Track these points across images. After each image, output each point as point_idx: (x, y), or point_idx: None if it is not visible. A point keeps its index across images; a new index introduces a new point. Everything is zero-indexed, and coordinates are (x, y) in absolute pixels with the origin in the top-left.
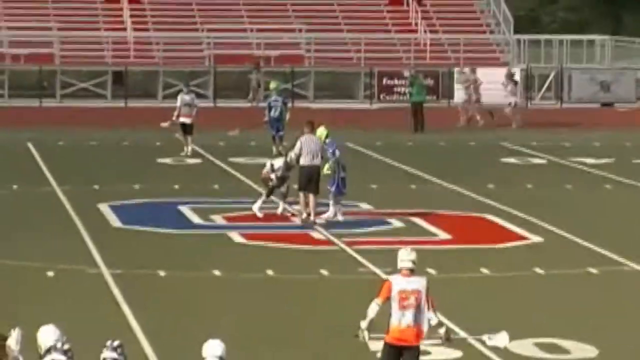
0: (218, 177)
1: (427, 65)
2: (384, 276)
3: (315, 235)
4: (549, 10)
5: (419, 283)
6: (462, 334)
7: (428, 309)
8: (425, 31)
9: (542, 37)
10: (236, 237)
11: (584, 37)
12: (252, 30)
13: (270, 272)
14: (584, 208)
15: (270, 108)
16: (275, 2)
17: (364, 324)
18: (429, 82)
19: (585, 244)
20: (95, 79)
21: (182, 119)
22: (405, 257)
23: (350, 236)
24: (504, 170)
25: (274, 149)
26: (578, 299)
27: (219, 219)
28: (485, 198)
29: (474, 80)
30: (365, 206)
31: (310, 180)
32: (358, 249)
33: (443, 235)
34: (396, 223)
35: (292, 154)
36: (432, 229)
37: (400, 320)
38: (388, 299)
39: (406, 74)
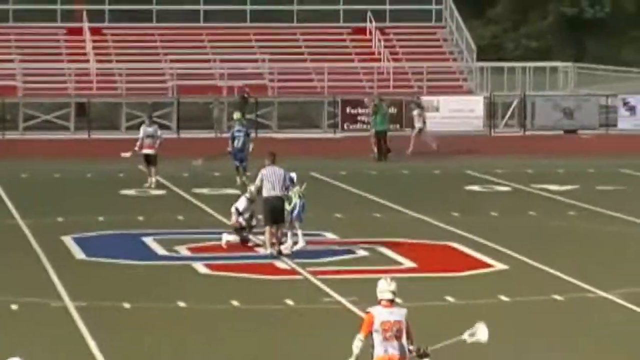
0: (182, 208)
1: (390, 93)
2: (348, 306)
3: (280, 265)
4: (512, 37)
5: (399, 313)
6: (440, 344)
7: (407, 339)
8: (388, 59)
9: (505, 64)
10: (201, 268)
11: (547, 64)
12: (215, 61)
13: (235, 302)
14: (549, 235)
15: (233, 138)
16: (238, 32)
17: None
18: (392, 110)
19: (550, 270)
20: (58, 110)
21: (145, 150)
22: (386, 288)
23: (315, 265)
24: (468, 198)
25: (238, 179)
26: (543, 326)
27: (183, 250)
28: (449, 226)
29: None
30: (330, 235)
31: (274, 211)
32: (323, 278)
33: (408, 263)
34: (361, 252)
35: (251, 188)
36: (397, 257)
37: (387, 350)
38: (370, 332)
39: (367, 102)
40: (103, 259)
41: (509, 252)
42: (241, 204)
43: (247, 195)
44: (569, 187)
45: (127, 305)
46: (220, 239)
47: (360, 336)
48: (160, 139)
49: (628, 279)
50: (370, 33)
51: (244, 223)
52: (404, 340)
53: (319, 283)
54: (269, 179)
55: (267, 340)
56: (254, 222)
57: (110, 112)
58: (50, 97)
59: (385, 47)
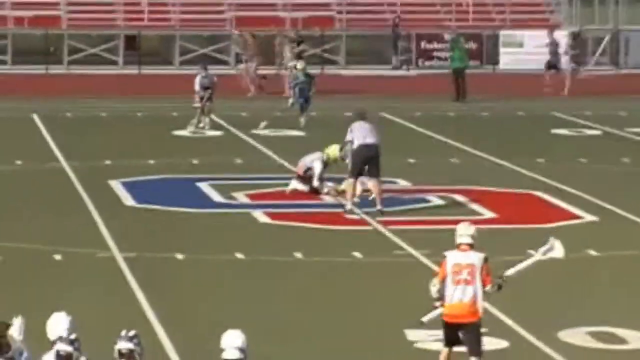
0: (240, 150)
1: (470, 27)
2: (421, 259)
3: (348, 214)
4: None
5: (475, 257)
6: (514, 269)
7: (483, 286)
8: None
9: None
10: (261, 216)
11: None
12: None
13: (298, 255)
14: None
15: (297, 90)
16: None
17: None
18: (472, 45)
19: None
20: (105, 43)
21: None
22: (463, 231)
23: (386, 215)
24: (554, 143)
25: (302, 120)
26: (637, 283)
27: (241, 197)
28: (534, 173)
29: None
30: (402, 182)
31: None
32: (394, 229)
33: (488, 214)
34: (436, 201)
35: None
36: (476, 207)
37: (454, 295)
38: (445, 276)
39: (447, 37)
40: (154, 205)
41: (598, 202)
42: (317, 168)
43: (324, 157)
44: None
45: (179, 257)
46: (286, 185)
47: (434, 280)
48: (215, 87)
49: None
50: None
51: (317, 185)
52: (477, 285)
53: (389, 234)
54: (361, 133)
55: (332, 296)
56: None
57: (162, 45)
58: (97, 28)
59: None
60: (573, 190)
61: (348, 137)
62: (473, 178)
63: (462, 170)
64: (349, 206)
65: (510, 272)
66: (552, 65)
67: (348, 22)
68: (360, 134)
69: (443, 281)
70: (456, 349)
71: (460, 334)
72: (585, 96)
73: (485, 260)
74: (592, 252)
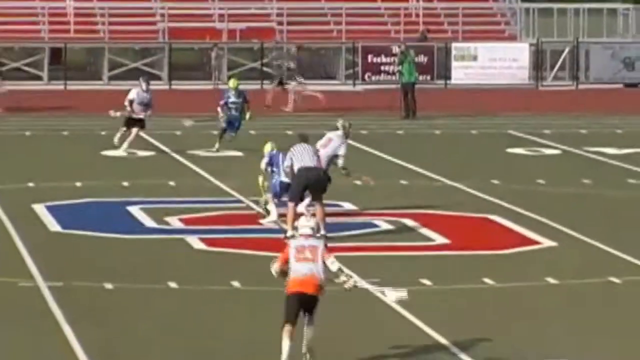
0: (174, 172)
1: (420, 39)
2: (368, 287)
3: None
4: None
5: (316, 241)
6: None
7: (325, 259)
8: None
9: (555, 5)
10: (196, 242)
11: (604, 5)
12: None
13: (235, 283)
14: (604, 206)
15: (228, 108)
16: None
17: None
18: (422, 59)
19: (606, 248)
20: (29, 57)
21: (136, 116)
22: (304, 223)
23: (331, 241)
24: (510, 163)
25: (217, 145)
26: (598, 313)
27: (175, 222)
28: (489, 195)
29: None
30: (348, 206)
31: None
32: (339, 255)
33: (440, 239)
34: (384, 225)
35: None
36: (427, 232)
37: (299, 270)
38: (287, 260)
39: (395, 50)
40: (81, 231)
41: (557, 226)
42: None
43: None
44: (628, 151)
45: (108, 286)
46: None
47: (275, 266)
48: (151, 109)
49: None
50: None
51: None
52: (319, 263)
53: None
54: (301, 154)
55: (271, 326)
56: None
57: (90, 58)
58: (21, 41)
59: None
60: (531, 214)
61: (287, 162)
62: (424, 201)
63: (412, 192)
64: (289, 232)
65: (359, 284)
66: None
67: (289, 34)
68: (300, 157)
69: (285, 263)
70: None
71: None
72: (543, 113)
73: (325, 245)
74: (551, 280)
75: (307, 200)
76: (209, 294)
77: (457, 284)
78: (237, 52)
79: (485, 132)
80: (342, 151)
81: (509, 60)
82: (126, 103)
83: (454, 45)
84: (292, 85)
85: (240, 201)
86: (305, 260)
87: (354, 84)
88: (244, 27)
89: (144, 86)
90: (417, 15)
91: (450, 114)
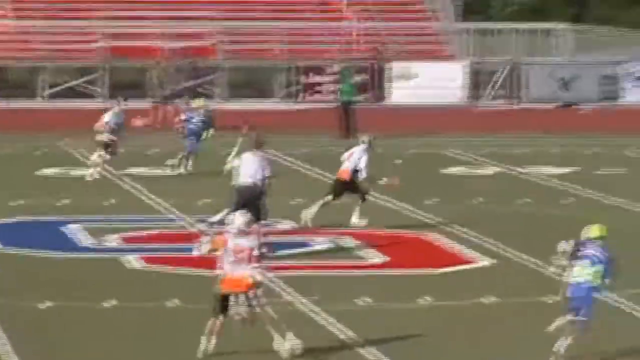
0: (112, 191)
1: (359, 59)
2: (308, 306)
3: None
4: None
5: (251, 242)
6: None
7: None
8: (356, 19)
9: (492, 25)
10: (134, 261)
11: (541, 25)
12: (153, 18)
13: (174, 301)
14: (541, 226)
15: (190, 125)
16: None
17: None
18: (361, 78)
19: (542, 268)
20: None
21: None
22: (239, 221)
23: (268, 260)
24: (448, 182)
25: (176, 161)
26: (532, 331)
27: (113, 240)
28: (426, 214)
29: None
30: (287, 224)
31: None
32: (278, 274)
33: (378, 258)
34: (322, 244)
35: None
36: (365, 250)
37: (235, 271)
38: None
39: (335, 69)
40: (18, 250)
41: (495, 245)
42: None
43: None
44: (565, 170)
45: (45, 305)
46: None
47: (206, 247)
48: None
49: (636, 279)
50: None
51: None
52: (248, 263)
53: (272, 279)
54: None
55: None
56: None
57: (26, 77)
58: None
59: (353, 3)
60: (467, 233)
61: (235, 163)
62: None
63: (350, 211)
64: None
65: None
66: None
67: (230, 53)
68: (244, 169)
69: (217, 246)
70: None
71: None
72: (480, 132)
73: (257, 247)
74: (488, 299)
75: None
76: (148, 312)
77: (395, 303)
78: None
79: (423, 151)
80: (362, 164)
81: (447, 80)
82: (103, 125)
83: (392, 64)
84: (176, 103)
85: (179, 219)
86: (236, 262)
87: (293, 103)
88: (183, 46)
89: (117, 109)
90: (357, 35)
91: (389, 133)
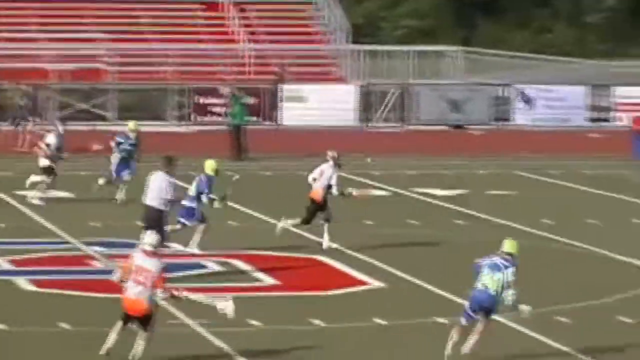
0: (2, 213)
1: (250, 81)
2: (198, 329)
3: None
4: (391, 17)
5: (154, 265)
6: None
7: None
8: (246, 41)
9: (383, 47)
10: (25, 284)
11: (432, 47)
12: (42, 40)
13: (65, 325)
14: (432, 248)
15: (123, 150)
16: (70, 6)
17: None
18: (252, 100)
19: (434, 289)
20: None
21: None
22: (147, 240)
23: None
24: (340, 204)
25: (120, 193)
26: (425, 353)
27: (4, 263)
28: (317, 236)
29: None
30: (177, 246)
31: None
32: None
33: (269, 280)
34: (213, 266)
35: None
36: (256, 273)
37: (130, 291)
38: (130, 271)
39: (226, 91)
40: None
41: (385, 267)
42: (334, 178)
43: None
44: (455, 192)
45: None
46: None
47: (118, 274)
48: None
49: (526, 299)
50: (226, 9)
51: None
52: (148, 287)
53: (163, 303)
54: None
55: None
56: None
57: None
58: None
59: (243, 26)
60: (359, 255)
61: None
62: (253, 242)
63: (241, 233)
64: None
65: (191, 296)
66: None
67: (119, 75)
68: (149, 188)
69: (127, 273)
70: None
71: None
72: (371, 154)
73: (163, 269)
74: (379, 320)
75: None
76: (38, 336)
77: (286, 325)
78: (67, 93)
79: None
80: (334, 180)
81: (338, 102)
82: (44, 147)
83: (283, 87)
84: (26, 125)
85: (68, 242)
86: (137, 283)
87: (184, 125)
88: (73, 68)
89: (60, 129)
90: (248, 57)
91: (281, 155)
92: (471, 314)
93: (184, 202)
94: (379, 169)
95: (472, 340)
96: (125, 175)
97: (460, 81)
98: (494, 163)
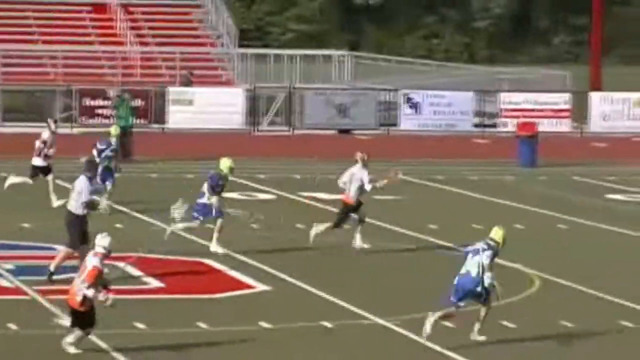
0: None
1: (137, 84)
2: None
3: (2, 282)
4: (279, 21)
5: (91, 261)
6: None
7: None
8: (134, 43)
9: (270, 51)
10: None
11: (319, 52)
12: None
13: (13, 326)
14: (319, 252)
15: (105, 157)
16: None
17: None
18: (139, 103)
19: (320, 293)
20: None
21: (42, 163)
22: (98, 242)
23: (44, 284)
24: (225, 207)
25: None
26: (311, 356)
27: None
28: (204, 240)
29: None
30: (61, 248)
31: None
32: (54, 298)
33: (154, 282)
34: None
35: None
36: (142, 275)
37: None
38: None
39: (112, 93)
40: None
41: (272, 271)
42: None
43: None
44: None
45: None
46: None
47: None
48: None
49: (408, 304)
50: (113, 11)
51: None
52: (84, 283)
53: (48, 304)
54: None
55: None
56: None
57: None
58: None
59: (131, 28)
60: (245, 258)
61: None
62: (139, 244)
63: (126, 236)
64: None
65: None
66: None
67: (4, 76)
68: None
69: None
70: None
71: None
72: (258, 158)
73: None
74: (264, 324)
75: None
76: None
77: (171, 328)
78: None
79: (201, 176)
80: (365, 179)
81: (225, 105)
82: (41, 145)
83: (170, 89)
84: None
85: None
86: (80, 277)
87: (71, 127)
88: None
89: (52, 127)
90: (135, 59)
91: (167, 157)
92: (457, 302)
93: (199, 200)
94: (266, 172)
95: (476, 327)
96: (109, 185)
97: (346, 86)
98: (381, 167)
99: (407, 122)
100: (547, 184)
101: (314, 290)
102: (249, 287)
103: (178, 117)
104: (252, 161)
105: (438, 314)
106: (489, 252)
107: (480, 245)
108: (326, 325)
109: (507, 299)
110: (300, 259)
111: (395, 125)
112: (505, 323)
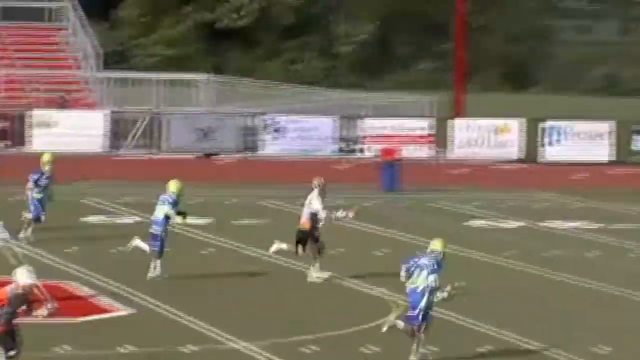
0: None
1: (0, 105)
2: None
3: None
4: (143, 45)
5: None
6: None
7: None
8: None
9: (133, 74)
10: None
11: (182, 75)
12: None
13: None
14: (178, 276)
15: (39, 187)
16: None
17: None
18: (1, 125)
19: (186, 317)
20: None
21: None
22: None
23: None
24: (87, 231)
25: (26, 233)
26: None
27: None
28: (66, 262)
29: None
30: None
31: None
32: None
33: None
34: None
35: None
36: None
37: None
38: None
39: None
40: None
41: (135, 294)
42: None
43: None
44: (202, 221)
45: None
46: None
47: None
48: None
49: (272, 329)
50: None
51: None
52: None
53: None
54: None
55: None
56: None
57: None
58: None
59: None
60: (106, 281)
61: None
62: None
63: None
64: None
65: None
66: None
67: None
68: None
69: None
70: None
71: None
72: (119, 181)
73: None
74: (127, 348)
75: None
76: None
77: (31, 352)
78: None
79: (63, 199)
80: (315, 206)
81: (87, 128)
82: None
83: (34, 112)
84: None
85: None
86: None
87: None
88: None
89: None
90: None
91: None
92: (418, 316)
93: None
94: (128, 194)
95: (414, 346)
96: (43, 216)
97: (209, 109)
98: (242, 192)
99: (270, 146)
100: (407, 209)
101: (179, 314)
102: (111, 310)
103: (40, 140)
104: (113, 185)
105: (414, 346)
106: (434, 277)
107: (423, 261)
108: (189, 350)
109: (367, 324)
110: (161, 282)
111: (257, 149)
112: (362, 349)
